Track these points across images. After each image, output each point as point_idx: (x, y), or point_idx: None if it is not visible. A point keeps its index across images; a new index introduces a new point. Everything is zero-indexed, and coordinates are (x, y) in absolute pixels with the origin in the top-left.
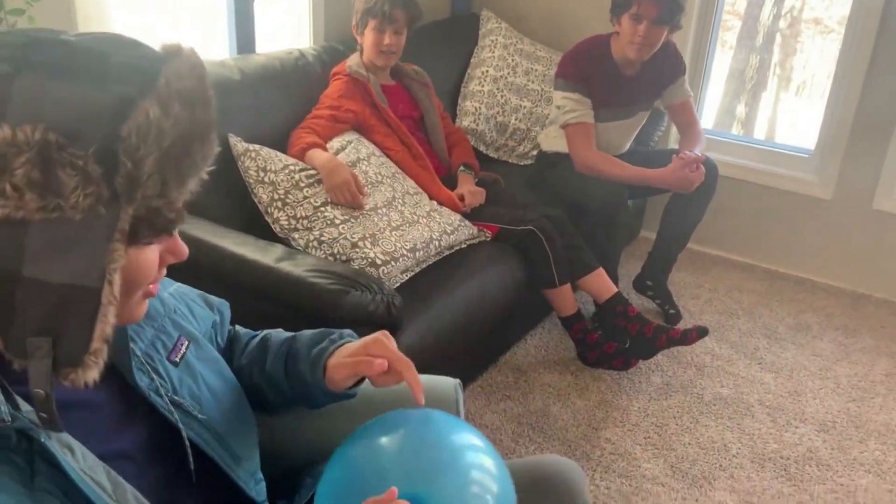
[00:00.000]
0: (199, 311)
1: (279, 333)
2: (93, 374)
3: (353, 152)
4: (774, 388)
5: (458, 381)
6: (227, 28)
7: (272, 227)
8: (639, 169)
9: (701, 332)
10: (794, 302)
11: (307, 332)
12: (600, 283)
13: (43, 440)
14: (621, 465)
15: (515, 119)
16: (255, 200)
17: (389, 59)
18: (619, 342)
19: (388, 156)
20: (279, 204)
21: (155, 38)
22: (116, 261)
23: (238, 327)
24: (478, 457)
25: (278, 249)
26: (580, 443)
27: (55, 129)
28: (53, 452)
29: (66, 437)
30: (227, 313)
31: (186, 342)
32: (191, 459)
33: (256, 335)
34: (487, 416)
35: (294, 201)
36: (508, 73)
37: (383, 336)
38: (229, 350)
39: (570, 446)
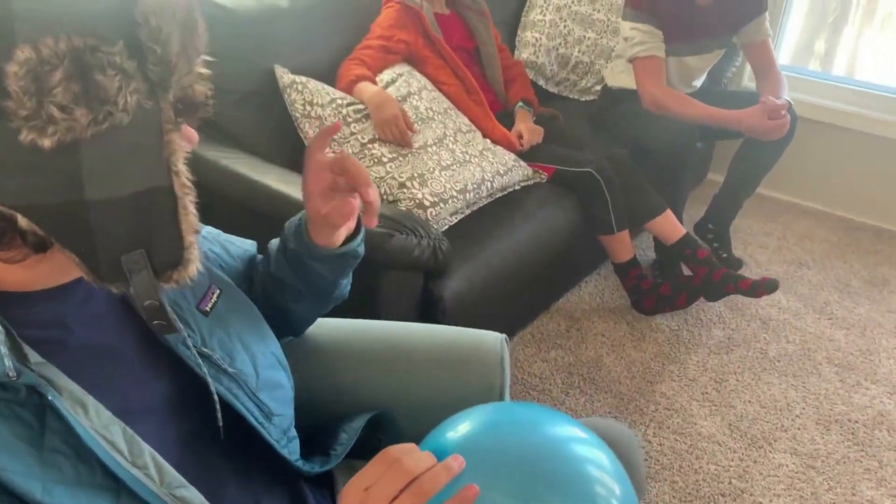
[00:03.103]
0: (237, 251)
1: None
2: (192, 269)
3: (404, 86)
4: (845, 346)
5: (503, 336)
6: None
7: None
8: (714, 109)
9: (770, 287)
10: (871, 254)
11: None
12: (668, 224)
13: (50, 398)
14: (676, 422)
15: (578, 51)
16: (301, 136)
17: None
18: (674, 284)
19: (440, 90)
20: None
21: None
22: (176, 150)
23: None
24: (598, 470)
25: None
26: (633, 396)
27: (79, 33)
28: (62, 412)
29: (80, 392)
30: (255, 252)
31: (218, 291)
32: (219, 415)
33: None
34: (537, 365)
35: (341, 137)
36: (573, 2)
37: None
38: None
39: (623, 400)
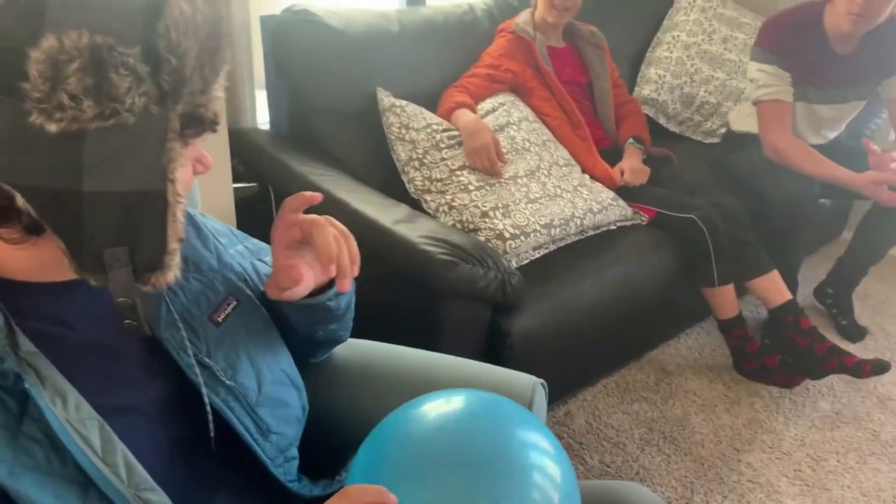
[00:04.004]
0: (266, 270)
1: None
2: (170, 275)
3: (504, 115)
4: None
5: (538, 381)
6: None
7: (406, 186)
8: (833, 166)
9: (878, 368)
10: None
11: None
12: (771, 287)
13: (27, 386)
14: (759, 497)
15: (705, 91)
16: (394, 157)
17: (563, 16)
18: (784, 355)
19: (543, 121)
20: (416, 164)
21: None
22: (176, 159)
23: None
24: (542, 459)
25: (402, 211)
26: (715, 462)
27: (101, 31)
28: (36, 399)
29: (63, 384)
30: None
31: (234, 302)
32: (211, 426)
33: None
34: (616, 416)
35: (431, 162)
36: (703, 40)
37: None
38: None
39: (703, 465)
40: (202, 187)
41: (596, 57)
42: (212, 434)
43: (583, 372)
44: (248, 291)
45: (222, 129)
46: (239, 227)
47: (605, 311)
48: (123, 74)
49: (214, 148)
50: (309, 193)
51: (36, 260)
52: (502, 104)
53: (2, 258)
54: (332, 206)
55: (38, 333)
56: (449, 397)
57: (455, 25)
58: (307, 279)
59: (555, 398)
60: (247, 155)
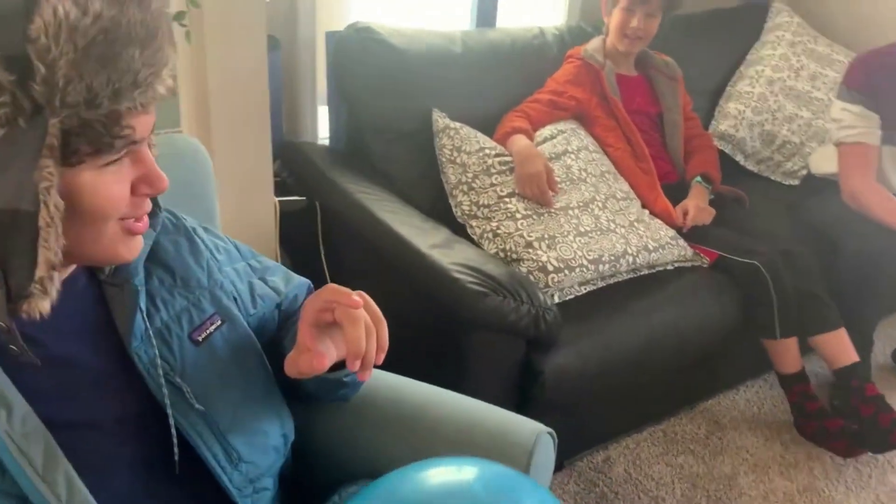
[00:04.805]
0: (263, 291)
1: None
2: (42, 304)
3: (563, 143)
4: None
5: (544, 430)
6: None
7: (453, 210)
8: None
9: None
10: None
11: None
12: (836, 345)
13: None
14: None
15: (787, 130)
16: (443, 180)
17: (634, 45)
18: (847, 421)
19: (606, 152)
20: (465, 187)
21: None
22: (46, 179)
23: None
24: None
25: (441, 235)
26: None
27: None
28: None
29: (11, 395)
30: (303, 296)
31: (219, 322)
32: (175, 448)
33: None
34: (658, 468)
35: (480, 187)
36: (789, 76)
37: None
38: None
39: None
40: (242, 197)
41: (668, 88)
42: (175, 457)
43: (626, 417)
44: (237, 311)
45: (265, 140)
46: (282, 239)
47: (654, 355)
48: None
49: (257, 159)
50: (355, 300)
51: None
52: (562, 132)
53: None
54: (371, 224)
55: (4, 344)
56: (447, 470)
57: (522, 49)
58: (329, 359)
59: (593, 442)
60: (296, 168)
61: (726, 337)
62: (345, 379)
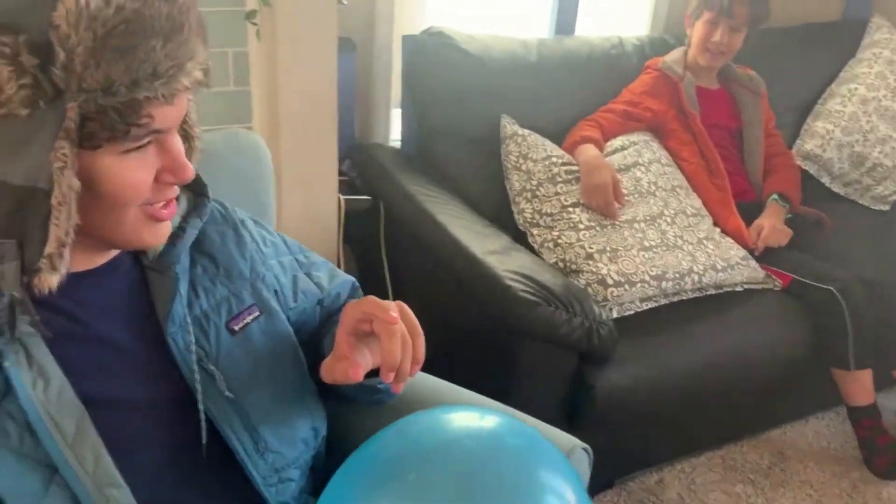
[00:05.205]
0: (306, 286)
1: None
2: (51, 279)
3: (634, 154)
4: None
5: (582, 444)
6: (550, 5)
7: (515, 217)
8: None
9: None
10: None
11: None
12: None
13: (6, 365)
14: None
15: (880, 152)
16: (507, 186)
17: (716, 59)
18: None
19: (679, 166)
20: (528, 195)
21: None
22: (60, 160)
23: None
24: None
25: (499, 242)
26: None
27: None
28: (10, 379)
29: (52, 369)
30: (346, 294)
31: (257, 313)
32: (203, 433)
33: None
34: (713, 495)
35: (543, 195)
36: (885, 96)
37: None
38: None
39: None
40: (307, 193)
41: (751, 102)
42: (203, 441)
43: (683, 440)
44: (276, 305)
45: (331, 139)
46: (347, 236)
47: (716, 379)
48: (1, 63)
49: (324, 157)
50: (392, 316)
51: None
52: (634, 143)
53: None
54: (428, 226)
55: (49, 320)
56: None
57: (599, 58)
58: (364, 368)
59: (647, 463)
60: (363, 168)
61: (796, 364)
62: (379, 386)
